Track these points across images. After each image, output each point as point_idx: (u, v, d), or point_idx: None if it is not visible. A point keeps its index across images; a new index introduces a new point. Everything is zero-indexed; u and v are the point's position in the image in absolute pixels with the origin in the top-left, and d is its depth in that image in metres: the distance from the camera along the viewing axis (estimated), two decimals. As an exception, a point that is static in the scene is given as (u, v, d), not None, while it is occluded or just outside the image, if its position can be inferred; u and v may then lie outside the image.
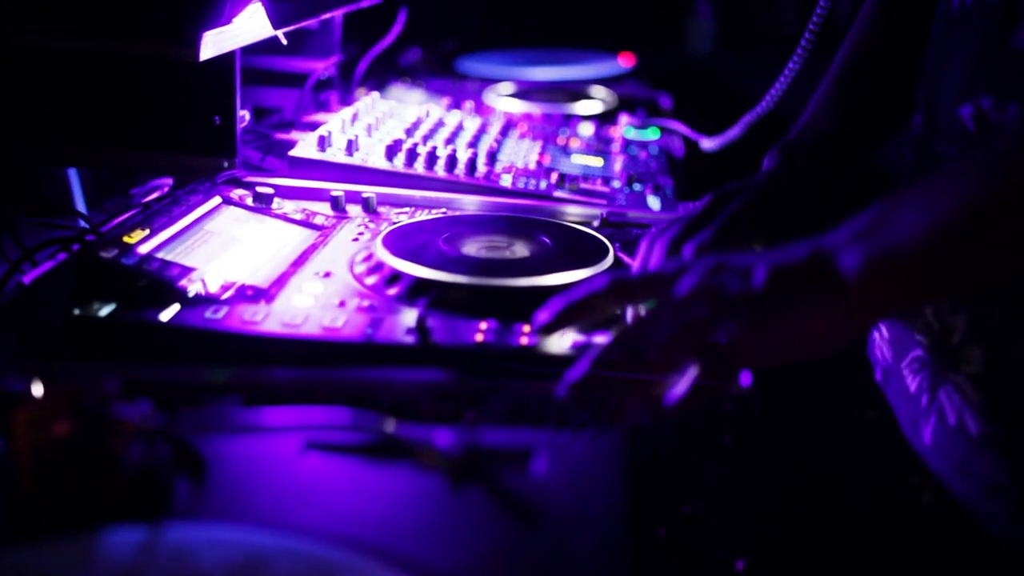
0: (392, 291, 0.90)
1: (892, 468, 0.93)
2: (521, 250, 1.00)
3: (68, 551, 0.53)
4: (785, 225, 0.93)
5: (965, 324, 0.83)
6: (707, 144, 1.52)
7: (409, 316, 0.84)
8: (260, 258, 0.97)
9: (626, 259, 1.00)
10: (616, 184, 1.30)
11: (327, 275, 0.94)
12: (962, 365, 0.83)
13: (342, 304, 0.87)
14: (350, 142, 1.26)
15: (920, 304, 0.66)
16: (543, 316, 0.71)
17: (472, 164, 1.26)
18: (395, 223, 1.09)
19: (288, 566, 0.52)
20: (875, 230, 0.65)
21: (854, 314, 0.65)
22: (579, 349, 0.79)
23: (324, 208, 1.16)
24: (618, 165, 1.40)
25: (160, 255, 0.91)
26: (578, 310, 0.71)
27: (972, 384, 0.82)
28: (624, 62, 2.33)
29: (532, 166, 1.34)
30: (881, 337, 0.98)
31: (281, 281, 0.92)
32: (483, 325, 0.83)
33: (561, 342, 0.80)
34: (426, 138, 1.36)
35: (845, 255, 0.64)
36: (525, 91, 1.96)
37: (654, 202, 1.24)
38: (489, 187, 1.23)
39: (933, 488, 0.87)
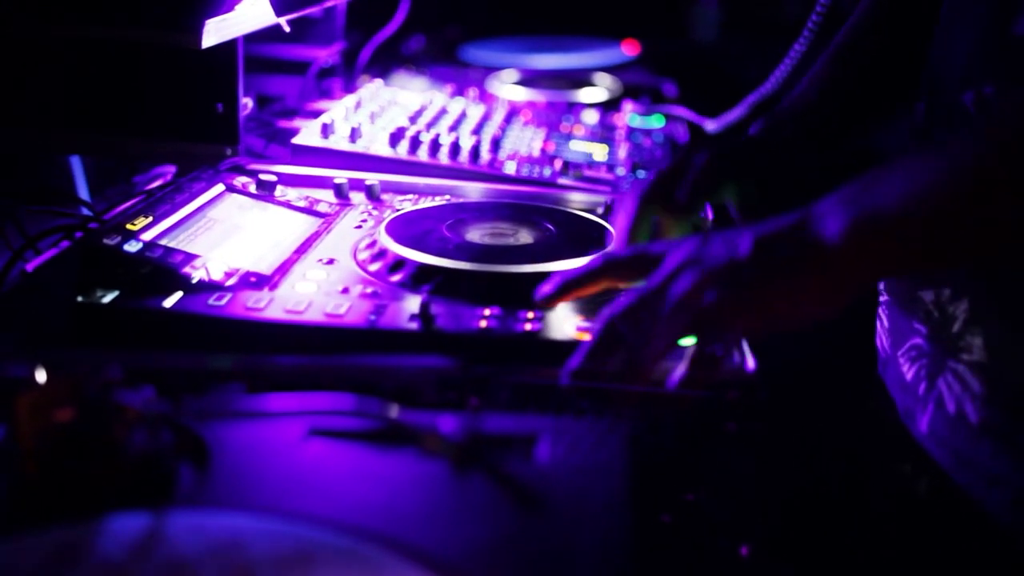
0: (395, 278, 0.89)
1: (892, 457, 0.93)
2: (525, 237, 1.00)
3: (70, 537, 0.53)
4: (756, 180, 0.93)
5: (966, 312, 0.82)
6: (711, 126, 1.51)
7: (412, 303, 0.84)
8: (263, 245, 0.97)
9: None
10: (620, 171, 1.30)
11: (330, 262, 0.94)
12: (962, 353, 0.83)
13: (345, 291, 0.87)
14: (353, 130, 1.26)
15: (908, 271, 0.66)
16: (545, 288, 0.77)
17: (476, 151, 1.25)
18: (398, 210, 1.08)
19: (272, 548, 0.52)
20: (861, 195, 0.65)
21: (839, 280, 0.65)
22: (581, 333, 0.79)
23: (327, 195, 1.15)
24: (622, 152, 1.40)
25: (163, 242, 0.91)
26: (574, 285, 0.76)
27: (972, 372, 0.82)
28: (628, 49, 2.32)
29: (536, 153, 1.33)
30: (881, 326, 0.98)
31: (284, 268, 0.92)
32: (487, 312, 0.82)
33: (564, 327, 0.80)
34: (429, 125, 1.36)
35: (830, 219, 0.65)
36: (529, 79, 1.95)
37: (658, 189, 1.24)
38: (493, 174, 1.22)
39: (931, 477, 0.87)
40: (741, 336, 0.69)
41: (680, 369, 0.70)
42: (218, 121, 1.10)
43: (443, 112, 1.45)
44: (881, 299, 0.97)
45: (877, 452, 0.97)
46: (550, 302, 0.77)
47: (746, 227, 0.69)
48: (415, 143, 1.25)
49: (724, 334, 0.68)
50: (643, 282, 0.71)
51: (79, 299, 0.82)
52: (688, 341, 0.71)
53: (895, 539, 0.91)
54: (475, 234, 0.99)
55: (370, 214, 1.09)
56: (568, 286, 0.76)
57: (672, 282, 0.68)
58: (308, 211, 1.08)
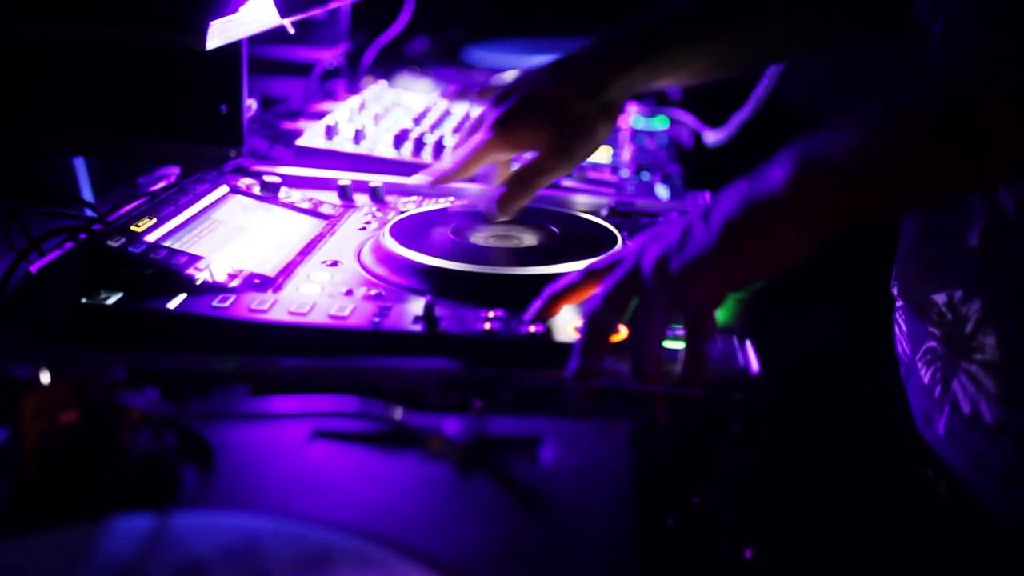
0: (399, 280, 0.89)
1: (906, 461, 0.93)
2: (529, 239, 1.00)
3: (73, 539, 0.53)
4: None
5: (978, 312, 0.82)
6: (711, 138, 1.52)
7: (417, 305, 0.83)
8: (267, 247, 0.97)
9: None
10: (624, 173, 1.30)
11: (334, 264, 0.94)
12: (975, 353, 0.82)
13: (349, 293, 0.87)
14: (357, 131, 1.26)
15: (857, 219, 0.65)
16: (535, 305, 0.79)
17: (479, 153, 1.25)
18: (403, 212, 1.08)
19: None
20: (806, 145, 0.66)
21: (788, 227, 0.66)
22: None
23: (331, 197, 1.15)
24: (627, 154, 1.40)
25: (167, 244, 0.91)
26: (560, 297, 0.78)
27: (986, 372, 0.82)
28: (632, 51, 2.32)
29: (540, 155, 1.33)
30: (900, 332, 0.97)
31: (288, 270, 0.92)
32: (491, 314, 0.82)
33: (568, 329, 0.80)
34: (433, 127, 1.36)
35: (776, 169, 0.66)
36: (533, 80, 1.95)
37: (662, 191, 1.24)
38: (497, 176, 1.22)
39: (948, 480, 0.87)
40: (722, 296, 0.70)
41: (681, 366, 0.70)
42: (222, 122, 1.10)
43: (447, 114, 1.45)
44: (897, 304, 0.97)
45: (890, 456, 0.97)
46: (540, 318, 0.79)
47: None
48: (419, 145, 1.25)
49: (707, 300, 0.69)
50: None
51: (83, 300, 0.82)
52: (679, 344, 0.71)
53: (900, 542, 0.90)
54: (479, 236, 0.99)
55: (374, 216, 1.09)
56: (555, 299, 0.78)
57: (639, 262, 0.71)
58: (312, 213, 1.08)
